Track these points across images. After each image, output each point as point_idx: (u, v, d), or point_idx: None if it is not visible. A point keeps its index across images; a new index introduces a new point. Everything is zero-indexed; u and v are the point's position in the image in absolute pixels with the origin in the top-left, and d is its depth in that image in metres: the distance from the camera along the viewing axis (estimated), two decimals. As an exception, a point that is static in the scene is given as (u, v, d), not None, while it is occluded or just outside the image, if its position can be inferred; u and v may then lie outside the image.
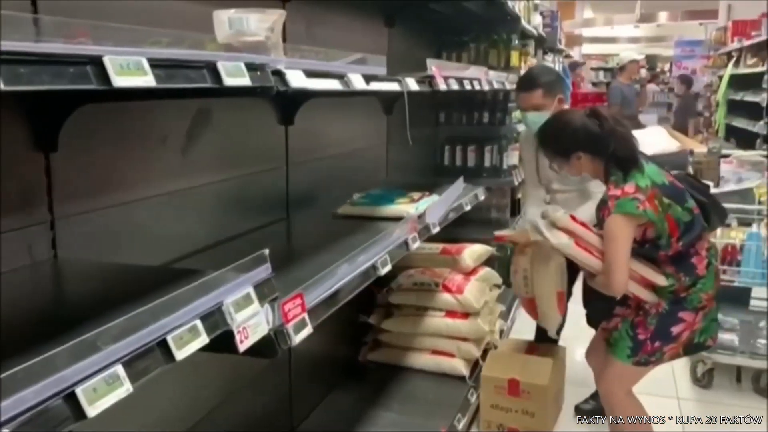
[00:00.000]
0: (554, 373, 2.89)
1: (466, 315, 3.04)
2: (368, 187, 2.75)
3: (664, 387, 3.45)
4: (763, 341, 3.46)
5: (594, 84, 15.40)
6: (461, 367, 2.97)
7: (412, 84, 2.11)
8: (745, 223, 3.38)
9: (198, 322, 1.03)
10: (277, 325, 1.26)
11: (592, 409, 3.07)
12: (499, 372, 2.87)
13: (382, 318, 3.16)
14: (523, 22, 4.52)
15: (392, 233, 2.00)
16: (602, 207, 2.25)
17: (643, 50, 15.68)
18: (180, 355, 0.99)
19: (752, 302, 3.78)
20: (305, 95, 2.12)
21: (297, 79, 1.30)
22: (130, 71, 0.87)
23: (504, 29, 4.26)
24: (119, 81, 0.86)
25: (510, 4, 3.88)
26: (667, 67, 15.82)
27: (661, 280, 2.21)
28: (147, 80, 0.90)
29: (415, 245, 2.12)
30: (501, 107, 4.14)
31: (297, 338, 1.30)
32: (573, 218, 2.27)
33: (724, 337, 3.49)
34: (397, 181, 3.17)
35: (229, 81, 1.07)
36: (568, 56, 9.46)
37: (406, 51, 3.60)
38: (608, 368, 2.42)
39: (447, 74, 2.50)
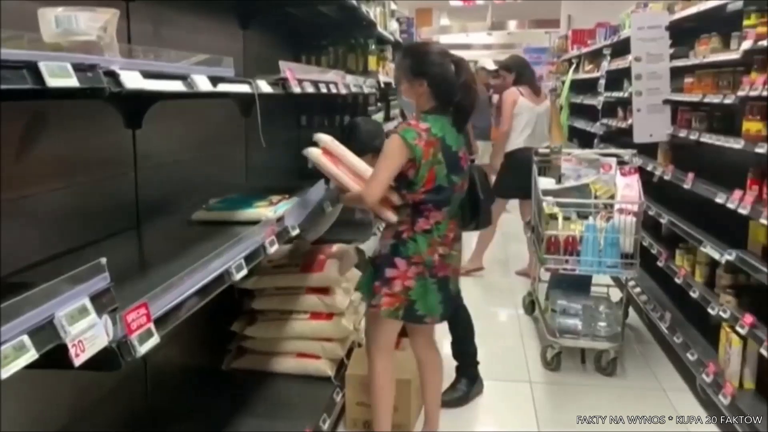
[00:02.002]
0: (416, 367, 2.97)
1: (330, 316, 3.07)
2: (226, 191, 2.69)
3: (518, 372, 3.68)
4: (603, 324, 3.78)
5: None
6: (326, 368, 2.99)
7: (264, 86, 2.10)
8: (583, 216, 3.66)
9: (25, 337, 0.97)
10: (119, 337, 1.21)
11: (450, 399, 3.21)
12: (363, 370, 2.91)
13: (245, 324, 3.11)
14: (380, 28, 4.63)
15: (248, 237, 1.98)
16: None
17: (496, 56, 16.53)
18: (5, 373, 0.92)
19: (592, 288, 4.12)
20: (152, 97, 2.05)
21: (133, 81, 1.26)
22: (-69, 71, 0.80)
23: (361, 34, 4.33)
24: None
25: (364, 9, 3.95)
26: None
27: (397, 200, 2.44)
28: (-48, 80, 0.83)
29: (273, 248, 2.11)
30: (361, 110, 4.21)
31: (142, 349, 1.25)
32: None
33: (569, 322, 3.79)
34: (257, 186, 3.12)
35: (53, 82, 1.01)
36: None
37: (264, 53, 3.57)
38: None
39: (301, 77, 2.51)
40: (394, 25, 5.94)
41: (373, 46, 4.41)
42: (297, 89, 2.37)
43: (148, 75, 1.33)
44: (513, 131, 4.93)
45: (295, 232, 2.36)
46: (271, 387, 2.93)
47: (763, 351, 2.70)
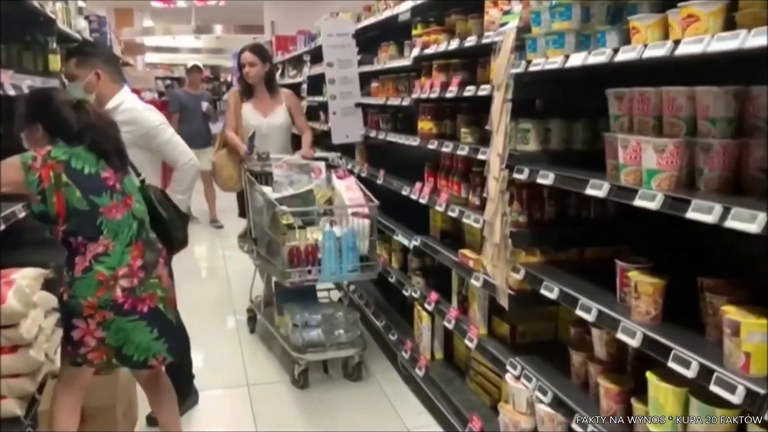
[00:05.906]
0: (122, 390, 2.78)
1: (15, 348, 2.70)
2: None
3: (236, 378, 3.65)
4: (342, 331, 3.63)
5: (161, 93, 15.35)
6: (14, 408, 2.62)
7: None
8: (308, 223, 3.48)
9: None
10: None
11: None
12: (58, 403, 2.63)
13: None
14: (62, 25, 4.21)
15: None
16: None
17: (206, 60, 16.22)
18: None
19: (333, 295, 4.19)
20: None
21: None
22: None
23: (38, 31, 3.91)
24: None
25: (38, 4, 3.56)
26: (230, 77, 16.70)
27: None
28: None
29: None
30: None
31: None
32: None
33: (312, 334, 3.59)
34: None
35: None
36: (126, 64, 9.19)
37: None
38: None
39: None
40: (81, 24, 5.46)
41: (55, 45, 4.00)
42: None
43: None
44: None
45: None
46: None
47: (446, 323, 3.06)
